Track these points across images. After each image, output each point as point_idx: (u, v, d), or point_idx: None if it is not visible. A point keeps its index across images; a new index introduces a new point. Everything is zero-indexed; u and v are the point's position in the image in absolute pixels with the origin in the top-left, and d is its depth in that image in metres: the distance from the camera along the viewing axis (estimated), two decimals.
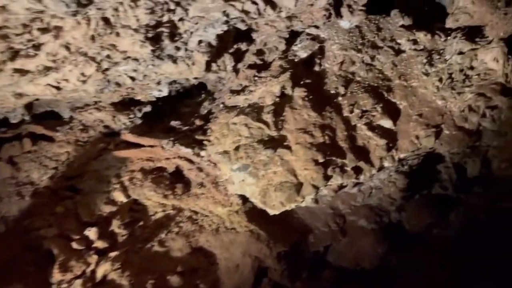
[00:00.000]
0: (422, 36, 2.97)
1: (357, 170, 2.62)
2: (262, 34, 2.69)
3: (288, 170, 2.57)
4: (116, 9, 1.77)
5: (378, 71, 2.96)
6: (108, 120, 2.88)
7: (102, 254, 2.59)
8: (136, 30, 1.92)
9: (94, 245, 2.56)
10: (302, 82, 2.91)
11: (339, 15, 2.50)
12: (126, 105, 2.88)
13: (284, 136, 2.69)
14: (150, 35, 2.00)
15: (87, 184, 2.89)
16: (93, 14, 1.76)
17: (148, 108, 3.06)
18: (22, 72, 1.99)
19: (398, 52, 2.99)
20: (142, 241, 2.66)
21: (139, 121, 3.06)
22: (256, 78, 2.98)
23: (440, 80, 2.78)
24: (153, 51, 2.07)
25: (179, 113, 3.21)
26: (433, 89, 2.78)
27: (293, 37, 3.02)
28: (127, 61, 2.13)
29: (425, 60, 2.88)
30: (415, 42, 2.98)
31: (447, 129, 2.64)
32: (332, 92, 2.92)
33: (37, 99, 2.63)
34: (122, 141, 2.97)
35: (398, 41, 3.01)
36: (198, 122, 3.03)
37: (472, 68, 2.78)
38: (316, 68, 3.01)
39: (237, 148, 2.64)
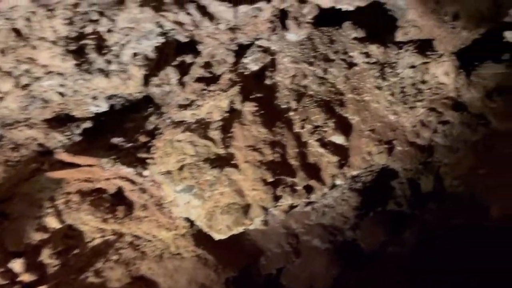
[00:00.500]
0: (374, 49, 2.90)
1: (308, 189, 2.50)
2: (208, 46, 2.53)
3: (236, 190, 2.41)
4: (28, 19, 1.56)
5: (330, 85, 2.87)
6: (41, 138, 2.62)
7: None
8: (54, 43, 1.72)
9: (20, 278, 2.30)
10: (252, 96, 2.78)
11: (285, 27, 2.38)
12: (61, 121, 2.63)
13: (232, 154, 2.54)
14: (72, 47, 1.80)
15: (16, 208, 2.62)
16: (1, 24, 1.54)
17: (88, 124, 2.82)
18: None
19: (351, 65, 2.91)
20: (76, 271, 2.42)
21: (78, 138, 2.81)
22: (204, 92, 2.81)
23: (392, 94, 2.72)
24: (78, 65, 1.87)
25: (123, 129, 2.99)
26: (385, 104, 2.71)
27: (243, 49, 2.88)
28: (50, 76, 1.91)
29: (377, 74, 2.81)
30: (367, 55, 2.91)
31: (400, 145, 2.57)
32: (284, 106, 2.80)
33: None
34: (58, 160, 2.72)
35: (351, 54, 2.93)
36: (142, 139, 2.83)
37: (424, 82, 2.73)
38: (268, 82, 2.89)
39: (181, 168, 2.46)
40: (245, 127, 2.62)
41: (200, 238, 2.61)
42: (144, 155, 2.69)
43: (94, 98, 2.47)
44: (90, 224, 2.61)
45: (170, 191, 2.48)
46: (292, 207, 2.53)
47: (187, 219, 2.60)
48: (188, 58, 2.61)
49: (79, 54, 1.85)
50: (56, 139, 2.67)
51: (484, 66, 2.56)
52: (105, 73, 2.08)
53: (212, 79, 2.86)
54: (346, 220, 2.72)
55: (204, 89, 2.80)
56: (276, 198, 2.41)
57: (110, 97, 2.68)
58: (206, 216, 2.39)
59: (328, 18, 2.94)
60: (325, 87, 2.86)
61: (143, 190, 2.63)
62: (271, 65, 2.92)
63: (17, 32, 1.63)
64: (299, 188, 2.46)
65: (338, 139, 2.66)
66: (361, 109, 2.78)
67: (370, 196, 2.78)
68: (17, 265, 2.32)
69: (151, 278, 2.52)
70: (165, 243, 2.62)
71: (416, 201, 2.86)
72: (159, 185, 2.60)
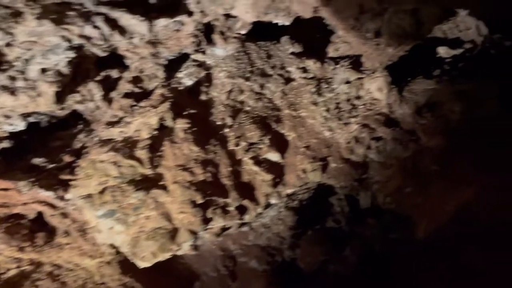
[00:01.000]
0: (311, 64, 2.87)
1: (241, 210, 2.40)
2: (135, 61, 2.39)
3: (163, 214, 2.27)
4: None
5: (268, 100, 2.80)
6: None
7: None
8: None
9: None
10: (185, 113, 2.66)
11: (211, 42, 2.29)
12: None
13: (161, 175, 2.39)
14: None
15: None
16: None
17: (6, 144, 2.59)
18: None
19: (288, 80, 2.86)
20: None
21: None
22: (133, 108, 2.66)
23: (328, 110, 2.68)
24: None
25: (48, 148, 2.77)
26: (321, 120, 2.67)
27: (178, 63, 2.76)
28: None
29: (314, 89, 2.77)
30: (304, 70, 2.87)
31: (334, 161, 2.52)
32: (219, 123, 2.69)
33: None
34: None
35: (288, 69, 2.89)
36: (67, 159, 2.62)
37: (359, 97, 2.71)
38: (203, 97, 2.78)
39: (102, 191, 2.29)
40: (175, 146, 2.49)
41: (128, 265, 2.43)
42: (67, 177, 2.50)
43: (6, 116, 2.26)
44: (5, 254, 2.38)
45: (91, 216, 2.30)
46: (224, 229, 2.41)
47: (113, 245, 2.42)
48: (113, 73, 2.46)
49: None
50: None
51: (416, 81, 2.57)
52: (11, 91, 1.89)
53: (143, 95, 2.72)
54: (282, 240, 2.63)
55: (134, 105, 2.65)
56: (206, 221, 2.29)
57: (28, 115, 2.47)
58: (130, 242, 2.23)
59: (267, 32, 2.89)
60: (262, 102, 2.78)
61: (65, 215, 2.43)
62: (207, 80, 2.82)
63: None
64: (231, 209, 2.35)
65: (274, 156, 2.59)
66: (297, 125, 2.72)
67: (308, 214, 2.71)
68: None
69: None
70: (88, 272, 2.42)
71: (355, 217, 2.82)
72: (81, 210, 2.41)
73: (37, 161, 2.62)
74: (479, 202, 1.74)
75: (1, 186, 2.47)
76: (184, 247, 2.28)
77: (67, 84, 2.06)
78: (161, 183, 2.35)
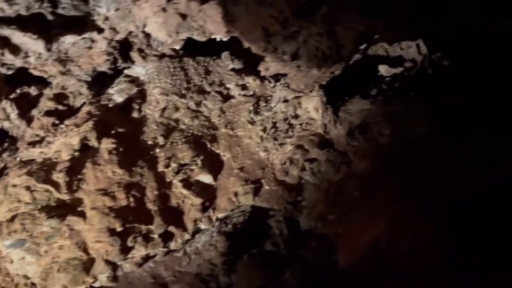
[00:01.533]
0: (251, 81, 2.77)
1: (166, 237, 2.26)
2: (56, 77, 2.23)
3: (78, 243, 2.11)
4: None
5: (204, 118, 2.68)
6: None
7: None
8: None
9: None
10: (113, 132, 2.50)
11: (128, 60, 2.16)
12: None
13: (79, 200, 2.24)
14: None
15: None
16: None
17: None
18: None
19: (227, 97, 2.75)
20: None
21: None
22: (57, 127, 2.49)
23: (264, 129, 2.58)
24: None
25: None
26: (257, 139, 2.57)
27: (112, 78, 2.62)
28: None
29: (252, 107, 2.67)
30: (244, 87, 2.77)
31: (267, 184, 2.42)
32: (150, 142, 2.56)
33: None
34: None
35: (227, 85, 2.78)
36: None
37: (296, 117, 2.63)
38: (135, 115, 2.64)
39: (12, 219, 2.11)
40: (98, 168, 2.34)
41: None
42: None
43: None
44: None
45: (1, 245, 2.11)
46: (147, 258, 2.26)
47: (27, 276, 2.24)
48: (32, 90, 2.30)
49: None
50: None
51: (353, 101, 2.51)
52: None
53: (69, 113, 2.56)
54: (213, 268, 2.50)
55: (57, 124, 2.49)
56: (126, 250, 2.14)
57: None
58: (41, 274, 2.06)
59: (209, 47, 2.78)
60: (198, 120, 2.67)
61: None
62: (139, 97, 2.68)
63: None
64: (154, 236, 2.22)
65: (206, 178, 2.47)
66: (233, 145, 2.61)
67: (243, 238, 2.59)
68: None
69: None
70: None
71: (296, 240, 2.71)
72: None
73: None
74: (389, 234, 1.67)
75: None
76: (102, 279, 2.12)
77: None
78: (79, 209, 2.19)
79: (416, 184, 1.76)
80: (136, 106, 2.66)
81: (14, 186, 2.17)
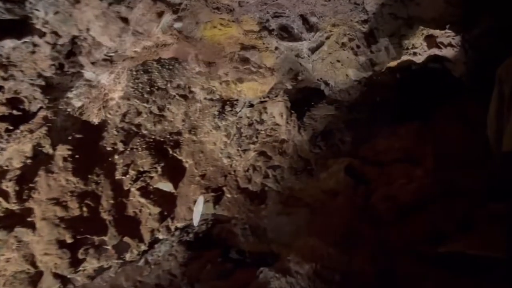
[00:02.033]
0: (217, 85, 2.68)
1: (121, 248, 2.18)
2: (8, 81, 2.13)
3: (26, 255, 2.02)
4: None
5: (168, 123, 2.59)
6: None
7: None
8: None
9: None
10: (70, 138, 2.41)
11: (77, 65, 2.06)
12: None
13: (29, 210, 2.14)
14: None
15: None
16: None
17: None
18: None
19: (192, 101, 2.66)
20: None
21: None
22: (11, 133, 2.39)
23: (228, 135, 2.49)
24: None
25: None
26: (220, 145, 2.48)
27: (72, 81, 2.51)
28: None
29: (216, 112, 2.58)
30: (210, 91, 2.68)
31: (229, 191, 2.34)
32: (109, 149, 2.47)
33: None
34: None
35: (193, 89, 2.69)
36: None
37: (261, 122, 2.54)
38: (94, 120, 2.54)
39: None
40: (51, 176, 2.24)
41: None
42: None
43: None
44: None
45: None
46: (101, 269, 2.18)
47: None
48: None
49: None
50: None
51: (319, 106, 2.42)
52: None
53: (24, 118, 2.45)
54: (173, 278, 2.41)
55: (10, 130, 2.38)
56: (77, 263, 2.06)
57: None
58: None
59: None
60: (161, 125, 2.58)
61: None
62: (100, 101, 2.58)
63: None
64: (108, 247, 2.13)
65: (165, 186, 2.38)
66: (196, 151, 2.53)
67: (205, 247, 2.50)
68: None
69: None
70: None
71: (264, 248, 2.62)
72: None
73: None
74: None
75: None
76: None
77: None
78: (29, 219, 2.10)
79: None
80: (96, 111, 2.56)
81: None
